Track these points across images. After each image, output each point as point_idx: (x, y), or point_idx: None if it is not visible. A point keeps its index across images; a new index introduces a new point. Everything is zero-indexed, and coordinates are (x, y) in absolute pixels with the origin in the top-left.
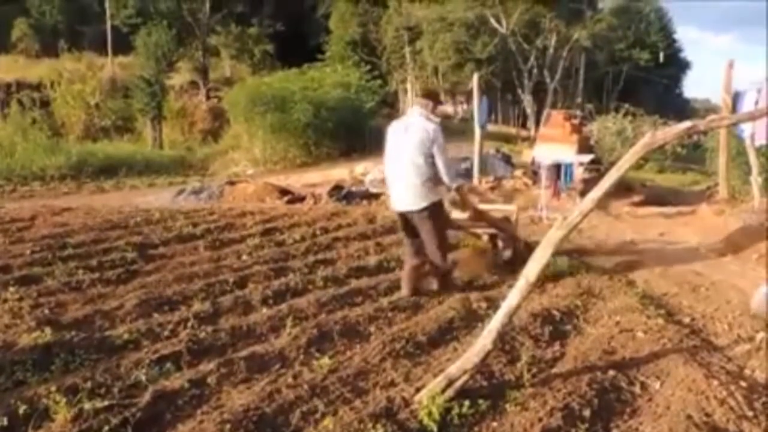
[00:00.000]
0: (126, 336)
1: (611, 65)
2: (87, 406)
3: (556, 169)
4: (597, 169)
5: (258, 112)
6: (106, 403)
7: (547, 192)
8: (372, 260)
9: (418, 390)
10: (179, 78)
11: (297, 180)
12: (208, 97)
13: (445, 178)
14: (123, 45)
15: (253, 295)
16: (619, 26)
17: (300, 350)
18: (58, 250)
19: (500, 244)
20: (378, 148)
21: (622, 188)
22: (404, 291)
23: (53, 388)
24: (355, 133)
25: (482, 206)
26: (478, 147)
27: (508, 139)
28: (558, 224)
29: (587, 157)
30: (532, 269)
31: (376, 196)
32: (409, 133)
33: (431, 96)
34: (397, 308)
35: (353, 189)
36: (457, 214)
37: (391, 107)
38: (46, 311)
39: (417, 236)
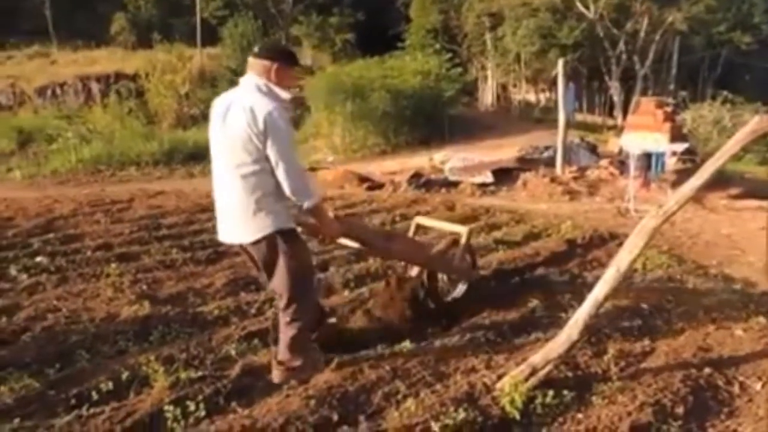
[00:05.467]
0: (216, 312)
1: (708, 49)
2: (182, 375)
3: (647, 158)
4: (692, 159)
5: (338, 101)
6: (199, 374)
7: (636, 182)
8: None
9: (499, 377)
10: None
11: (376, 167)
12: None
13: (289, 192)
14: (211, 36)
15: (334, 278)
16: (719, 8)
17: None
18: (153, 231)
19: (441, 277)
20: (457, 137)
21: (719, 180)
22: (274, 376)
23: (152, 358)
24: (435, 121)
25: (424, 220)
26: (562, 135)
27: (593, 128)
28: (653, 213)
29: (682, 146)
30: (623, 259)
31: (455, 184)
32: (229, 119)
33: (276, 55)
34: (479, 295)
35: (432, 177)
36: (346, 241)
37: (470, 95)
38: (144, 287)
39: None
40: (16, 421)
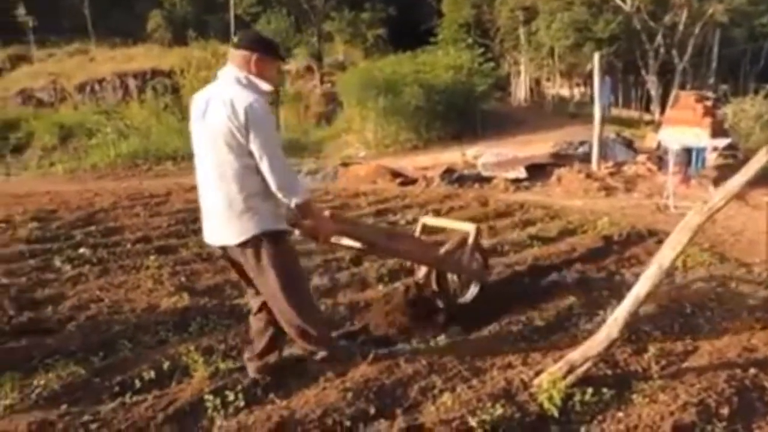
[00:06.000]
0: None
1: (750, 42)
2: (221, 366)
3: (686, 154)
4: (733, 155)
5: (370, 96)
6: (237, 364)
7: (675, 178)
8: (485, 243)
9: (536, 374)
10: (295, 63)
11: (408, 163)
12: (322, 82)
13: (274, 188)
14: None
15: (368, 273)
16: None
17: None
18: (190, 224)
19: (451, 279)
20: (490, 132)
21: (763, 176)
22: (249, 369)
23: (191, 348)
24: (467, 116)
25: (430, 220)
26: (598, 130)
27: (629, 123)
28: (697, 209)
29: (724, 142)
30: (666, 256)
31: (488, 179)
32: (209, 115)
33: (255, 45)
34: (514, 292)
35: (465, 172)
36: (348, 241)
37: (503, 90)
38: (183, 279)
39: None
40: (64, 407)
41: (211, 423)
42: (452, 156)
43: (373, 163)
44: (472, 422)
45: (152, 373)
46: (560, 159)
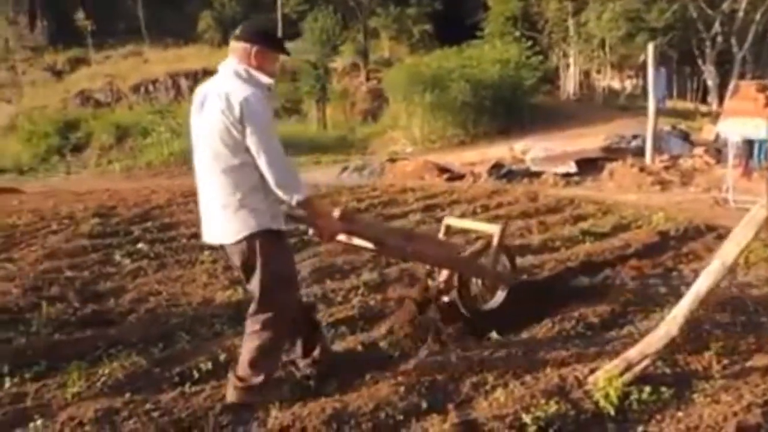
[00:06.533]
0: (304, 299)
1: None
2: None
3: (748, 146)
4: None
5: (416, 92)
6: (291, 357)
7: (735, 171)
8: (535, 239)
9: (591, 371)
10: (341, 61)
11: (455, 158)
12: (368, 79)
13: (273, 186)
14: (292, 31)
15: (417, 268)
16: None
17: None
18: None
19: (474, 283)
20: (538, 126)
21: None
22: (301, 366)
23: None
24: (514, 110)
25: (454, 221)
26: (652, 123)
27: (685, 115)
28: (763, 202)
29: None
30: (729, 252)
31: (537, 174)
32: (206, 109)
33: (256, 37)
34: (568, 288)
35: (513, 167)
36: (358, 240)
37: (551, 84)
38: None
39: None
40: (127, 395)
41: (267, 414)
42: (500, 151)
43: (420, 158)
44: (526, 419)
45: (209, 365)
46: (612, 153)
